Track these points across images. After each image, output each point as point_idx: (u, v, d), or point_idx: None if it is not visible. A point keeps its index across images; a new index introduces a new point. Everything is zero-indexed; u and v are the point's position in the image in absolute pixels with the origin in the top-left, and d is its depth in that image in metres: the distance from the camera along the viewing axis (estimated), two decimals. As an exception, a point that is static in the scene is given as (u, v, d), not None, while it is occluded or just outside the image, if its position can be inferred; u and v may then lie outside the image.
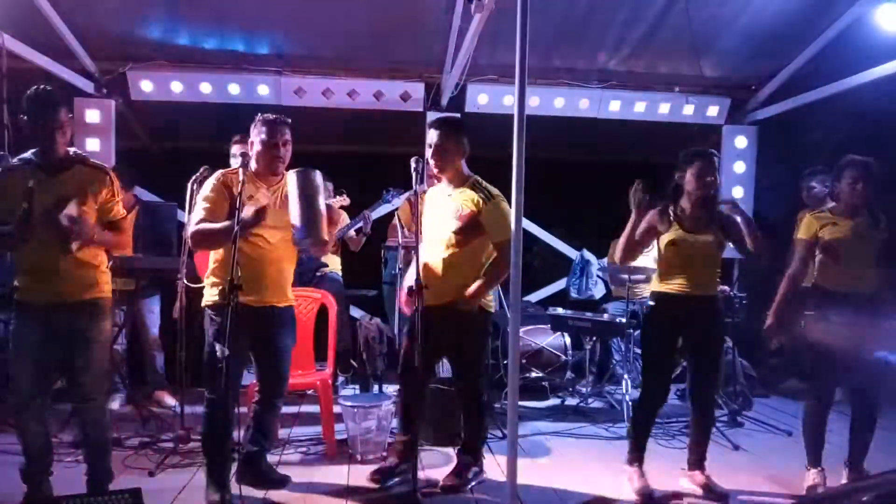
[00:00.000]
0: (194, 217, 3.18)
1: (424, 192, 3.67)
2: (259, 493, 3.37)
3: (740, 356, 5.35)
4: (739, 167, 6.18)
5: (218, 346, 2.91)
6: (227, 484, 3.20)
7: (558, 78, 5.78)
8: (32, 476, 3.07)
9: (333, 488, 3.54)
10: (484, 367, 3.78)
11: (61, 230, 2.88)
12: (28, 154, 3.02)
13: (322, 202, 3.11)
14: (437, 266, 3.49)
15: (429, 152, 3.50)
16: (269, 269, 3.21)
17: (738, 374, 5.38)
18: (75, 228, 2.90)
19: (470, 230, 3.47)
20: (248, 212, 2.99)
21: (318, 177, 3.12)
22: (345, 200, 4.96)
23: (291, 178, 3.08)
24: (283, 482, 3.42)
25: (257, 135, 3.23)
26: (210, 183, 3.20)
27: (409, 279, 3.53)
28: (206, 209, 3.12)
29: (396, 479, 3.58)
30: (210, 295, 3.25)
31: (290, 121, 3.30)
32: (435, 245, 3.52)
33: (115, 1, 4.84)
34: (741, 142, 6.16)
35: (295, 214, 3.04)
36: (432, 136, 3.48)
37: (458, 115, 5.74)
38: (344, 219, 5.21)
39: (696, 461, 3.67)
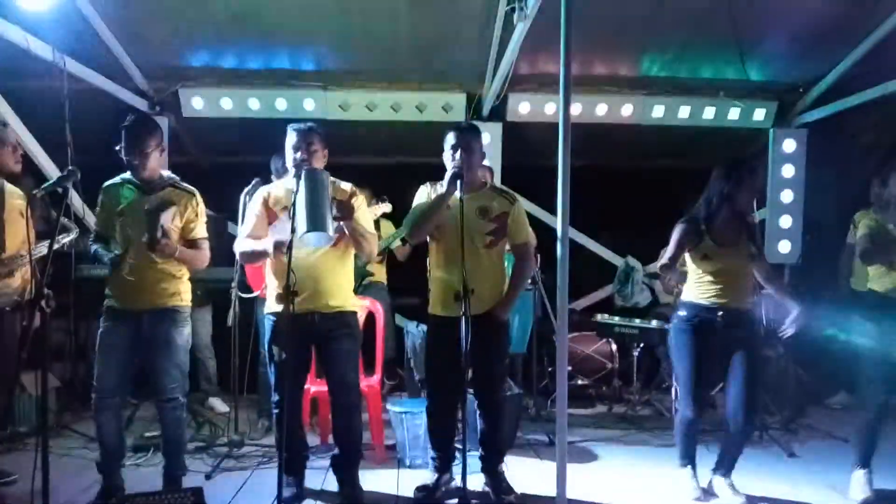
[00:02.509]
0: (240, 233, 3.44)
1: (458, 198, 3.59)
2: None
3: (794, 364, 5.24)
4: (788, 171, 6.05)
5: (276, 350, 3.06)
6: (301, 482, 3.41)
7: (600, 85, 5.77)
8: (107, 467, 3.32)
9: (383, 495, 3.59)
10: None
11: (153, 236, 3.18)
12: (126, 174, 3.37)
13: (326, 197, 3.12)
14: (472, 271, 3.27)
15: (453, 154, 3.42)
16: (309, 275, 3.26)
17: (790, 382, 5.27)
18: (162, 241, 3.18)
19: (499, 232, 3.50)
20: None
21: (323, 174, 3.16)
22: (386, 206, 5.04)
23: (299, 181, 3.12)
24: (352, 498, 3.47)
25: (288, 144, 3.36)
26: (254, 200, 3.42)
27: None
28: (251, 226, 3.36)
29: (442, 491, 3.59)
30: (269, 302, 3.42)
31: (319, 129, 3.39)
32: (466, 247, 3.29)
33: (168, 27, 5.02)
34: (789, 145, 6.04)
35: (300, 209, 3.06)
36: (454, 137, 3.45)
37: (500, 124, 5.80)
38: (390, 230, 5.30)
39: (727, 467, 3.60)
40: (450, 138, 3.47)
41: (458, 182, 3.31)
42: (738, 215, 3.47)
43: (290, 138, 3.35)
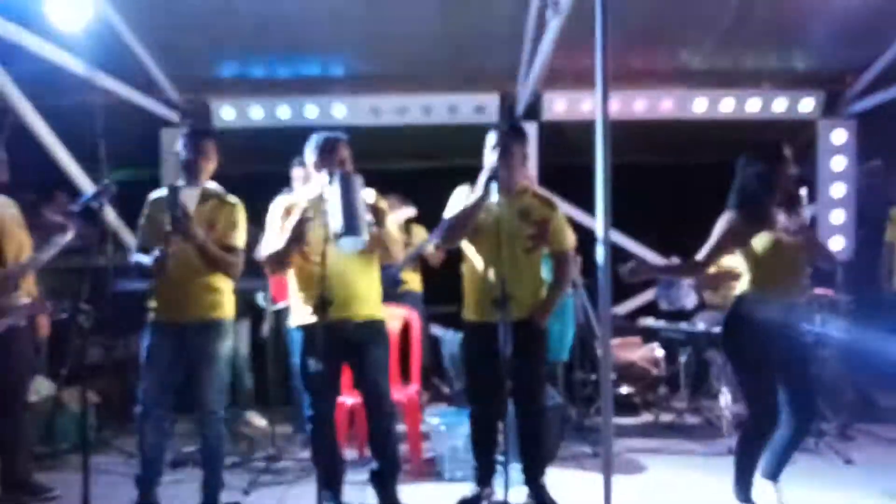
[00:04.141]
0: (263, 245, 3.35)
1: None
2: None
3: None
4: (838, 163, 5.81)
5: (311, 361, 3.05)
6: (339, 497, 3.33)
7: (638, 80, 5.60)
8: (145, 482, 3.29)
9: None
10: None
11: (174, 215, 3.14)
12: (177, 184, 3.31)
13: (360, 201, 3.04)
14: (511, 276, 3.18)
15: (493, 156, 3.32)
16: (337, 283, 3.11)
17: (846, 385, 5.03)
18: (183, 222, 3.14)
19: (539, 237, 3.41)
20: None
21: (357, 179, 3.07)
22: (409, 211, 4.98)
23: (333, 181, 3.04)
24: None
25: (311, 154, 3.32)
26: (273, 210, 3.35)
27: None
28: (273, 236, 3.28)
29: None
30: (296, 313, 3.35)
31: (343, 137, 3.34)
32: (506, 251, 3.23)
33: (197, 38, 5.03)
34: (839, 136, 5.80)
35: (335, 213, 2.99)
36: (495, 137, 3.36)
37: (535, 123, 5.67)
38: (422, 236, 5.21)
39: (774, 472, 3.31)
40: (490, 139, 3.39)
41: (493, 184, 3.21)
42: (791, 201, 3.22)
43: (314, 149, 3.31)
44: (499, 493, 3.36)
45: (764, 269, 3.24)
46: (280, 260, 3.24)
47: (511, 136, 3.41)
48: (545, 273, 3.59)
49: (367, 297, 3.31)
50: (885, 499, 3.51)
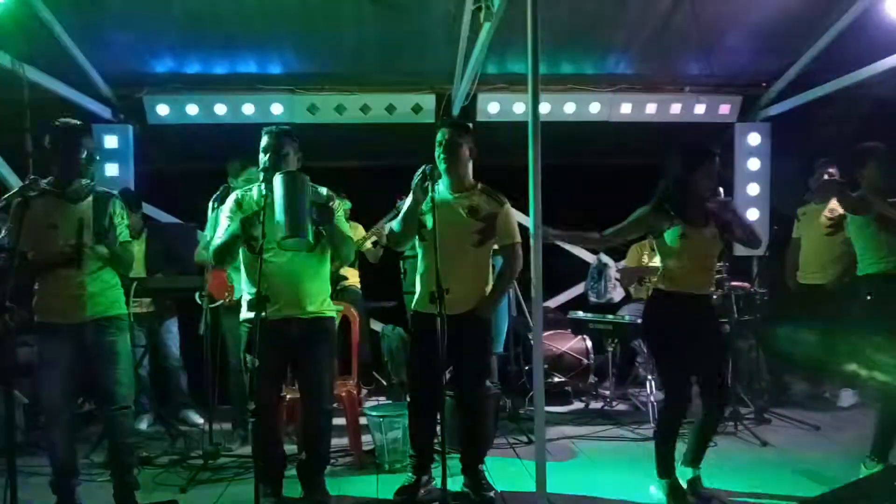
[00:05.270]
0: (215, 237, 3.34)
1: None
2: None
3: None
4: (753, 164, 6.15)
5: (249, 358, 3.05)
6: (279, 491, 3.35)
7: (568, 83, 5.81)
8: (61, 488, 3.23)
9: (363, 499, 3.58)
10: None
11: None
12: (43, 183, 3.19)
13: (306, 202, 3.09)
14: (459, 270, 3.37)
15: (445, 153, 3.47)
16: (282, 280, 3.22)
17: (762, 371, 5.36)
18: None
19: (487, 231, 3.52)
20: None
21: (303, 178, 3.12)
22: (344, 203, 5.05)
23: (276, 181, 3.08)
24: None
25: (261, 147, 3.32)
26: (227, 204, 3.37)
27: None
28: (224, 228, 3.29)
29: (422, 493, 3.57)
30: (244, 309, 3.36)
31: (291, 131, 3.37)
32: (452, 249, 3.36)
33: (130, 33, 4.94)
34: (754, 139, 6.14)
35: (279, 214, 3.03)
36: (443, 134, 3.50)
37: (470, 124, 5.79)
38: (360, 232, 5.27)
39: (694, 459, 3.53)
40: (438, 135, 3.52)
41: (427, 184, 3.30)
42: (701, 201, 3.45)
43: (263, 141, 3.31)
44: (436, 481, 3.50)
45: (675, 263, 3.45)
46: (233, 248, 3.25)
47: (458, 132, 3.52)
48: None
49: (314, 296, 3.34)
50: (798, 477, 3.76)
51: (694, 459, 3.51)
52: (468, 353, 3.47)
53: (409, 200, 3.47)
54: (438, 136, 3.51)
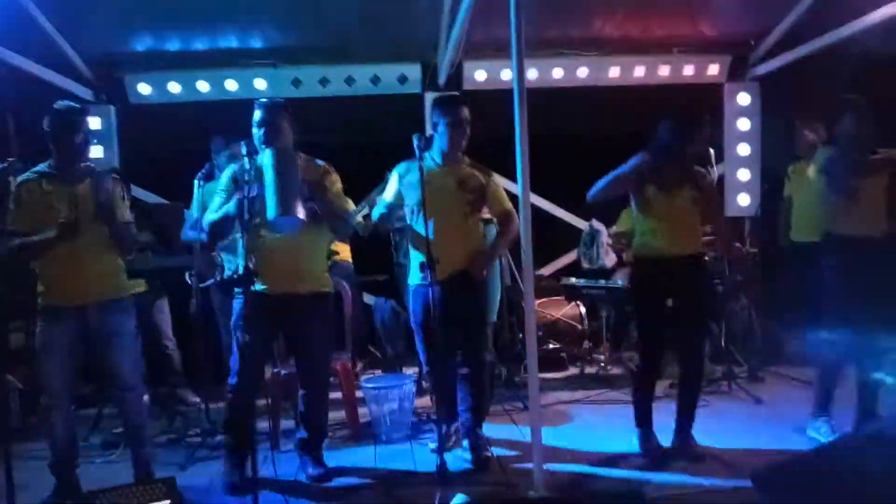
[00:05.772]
0: (208, 210, 3.31)
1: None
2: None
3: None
4: (743, 124, 6.12)
5: (239, 333, 3.05)
6: (245, 467, 3.27)
7: (555, 48, 5.74)
8: (61, 469, 3.25)
9: (363, 470, 3.60)
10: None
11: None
12: (42, 166, 3.19)
13: (296, 179, 3.05)
14: (453, 235, 3.49)
15: (455, 130, 3.53)
16: (279, 257, 3.22)
17: (755, 330, 5.39)
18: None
19: (477, 201, 3.61)
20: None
21: (292, 154, 3.09)
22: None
23: (266, 158, 3.03)
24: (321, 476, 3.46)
25: (255, 121, 3.27)
26: (223, 179, 3.34)
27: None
28: (219, 203, 3.25)
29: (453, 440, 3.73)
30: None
31: (285, 104, 3.33)
32: (446, 217, 3.47)
33: (107, 11, 4.83)
34: (744, 99, 6.10)
35: (269, 193, 2.99)
36: (465, 112, 3.56)
37: (457, 93, 5.74)
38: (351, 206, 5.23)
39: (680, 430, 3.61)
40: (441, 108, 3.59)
41: (419, 150, 3.30)
42: (683, 167, 3.48)
43: (256, 115, 3.26)
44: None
45: (648, 226, 3.52)
46: (215, 232, 3.26)
47: (461, 105, 3.57)
48: None
49: (309, 272, 3.33)
50: (792, 433, 3.81)
51: (680, 429, 3.59)
52: (467, 315, 3.57)
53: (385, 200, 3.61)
54: (463, 113, 3.55)
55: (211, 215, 3.26)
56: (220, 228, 3.25)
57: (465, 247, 3.58)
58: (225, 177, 3.34)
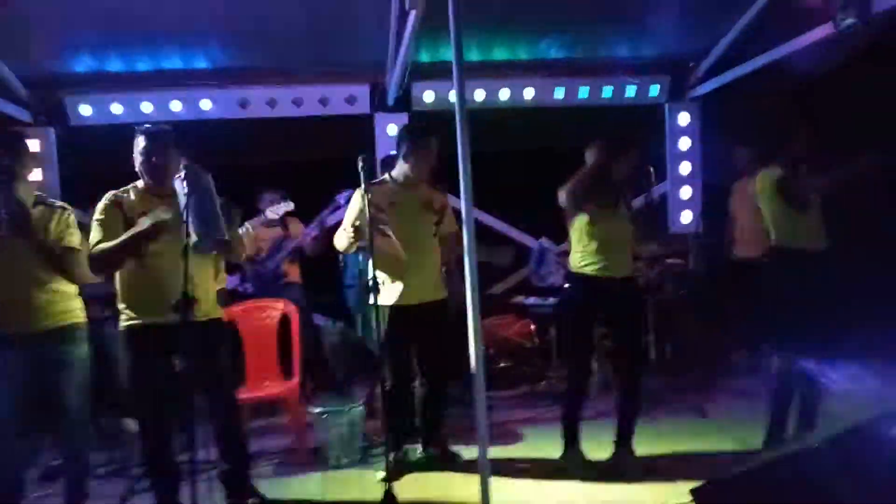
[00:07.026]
0: (91, 240, 3.11)
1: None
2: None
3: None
4: (684, 143, 6.29)
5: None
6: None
7: (501, 70, 5.82)
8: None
9: (313, 497, 3.56)
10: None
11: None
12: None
13: (215, 200, 2.99)
14: (426, 261, 3.71)
15: (425, 160, 3.72)
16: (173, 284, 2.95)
17: (700, 343, 5.50)
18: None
19: (439, 222, 3.79)
20: (143, 224, 2.97)
21: (207, 176, 3.00)
22: (288, 205, 5.02)
23: (178, 182, 2.93)
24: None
25: (136, 149, 3.15)
26: (100, 208, 3.14)
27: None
28: (102, 233, 3.08)
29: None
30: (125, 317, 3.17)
31: (169, 130, 3.22)
32: (418, 241, 3.68)
33: (45, 32, 4.75)
34: (684, 118, 6.28)
35: (192, 216, 2.87)
36: (434, 144, 3.73)
37: (406, 114, 5.78)
38: (301, 229, 5.20)
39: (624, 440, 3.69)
40: (408, 136, 3.78)
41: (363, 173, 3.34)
42: (614, 185, 3.59)
43: (139, 142, 3.13)
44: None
45: (584, 246, 3.60)
46: (124, 254, 3.06)
47: (432, 136, 3.73)
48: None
49: (207, 299, 3.20)
50: (737, 446, 3.88)
51: (619, 441, 3.66)
52: (440, 342, 3.74)
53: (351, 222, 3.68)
54: (433, 144, 3.72)
55: (102, 248, 3.07)
56: (118, 263, 3.12)
57: (435, 269, 3.77)
58: (105, 204, 3.17)
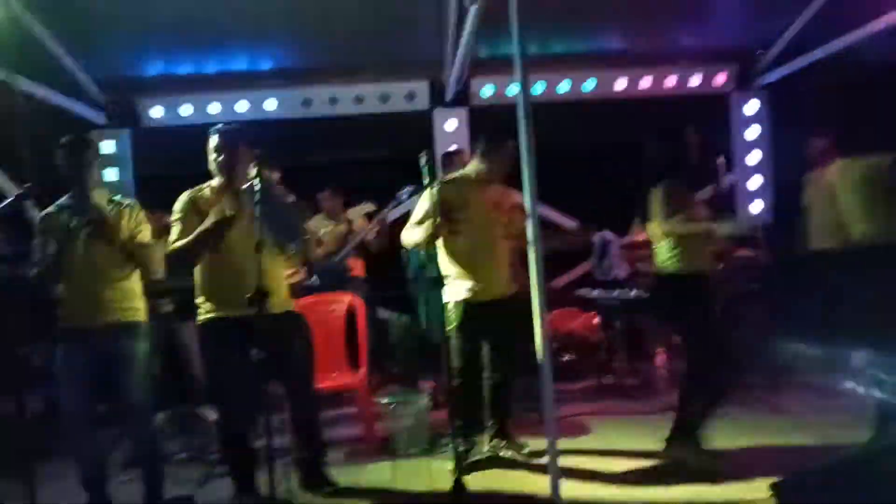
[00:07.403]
0: (170, 238, 3.25)
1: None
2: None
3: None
4: (752, 132, 6.13)
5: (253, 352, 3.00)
6: (255, 488, 3.28)
7: (562, 62, 5.77)
8: (93, 482, 3.26)
9: (383, 486, 3.61)
10: None
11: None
12: (64, 199, 3.24)
13: (289, 209, 3.16)
14: (497, 257, 3.71)
15: (504, 160, 3.65)
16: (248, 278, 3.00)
17: (772, 339, 5.36)
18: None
19: (510, 224, 3.73)
20: (208, 221, 3.10)
21: (278, 187, 3.21)
22: (370, 206, 5.08)
23: (258, 189, 2.97)
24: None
25: (210, 147, 3.28)
26: (181, 207, 3.28)
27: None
28: (178, 232, 3.22)
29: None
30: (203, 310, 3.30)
31: (242, 129, 3.34)
32: (489, 238, 3.67)
33: (120, 37, 4.96)
34: (751, 107, 6.11)
35: (270, 226, 3.00)
36: (514, 145, 3.58)
37: (465, 109, 5.79)
38: (365, 224, 5.28)
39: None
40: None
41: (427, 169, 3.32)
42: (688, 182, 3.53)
43: (212, 140, 3.27)
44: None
45: (676, 243, 3.52)
46: (201, 249, 3.19)
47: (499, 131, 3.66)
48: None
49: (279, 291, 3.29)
50: (809, 441, 3.76)
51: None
52: (513, 337, 3.73)
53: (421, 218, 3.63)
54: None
55: (180, 245, 3.22)
56: (196, 256, 3.24)
57: (506, 267, 3.76)
58: (183, 202, 3.31)
